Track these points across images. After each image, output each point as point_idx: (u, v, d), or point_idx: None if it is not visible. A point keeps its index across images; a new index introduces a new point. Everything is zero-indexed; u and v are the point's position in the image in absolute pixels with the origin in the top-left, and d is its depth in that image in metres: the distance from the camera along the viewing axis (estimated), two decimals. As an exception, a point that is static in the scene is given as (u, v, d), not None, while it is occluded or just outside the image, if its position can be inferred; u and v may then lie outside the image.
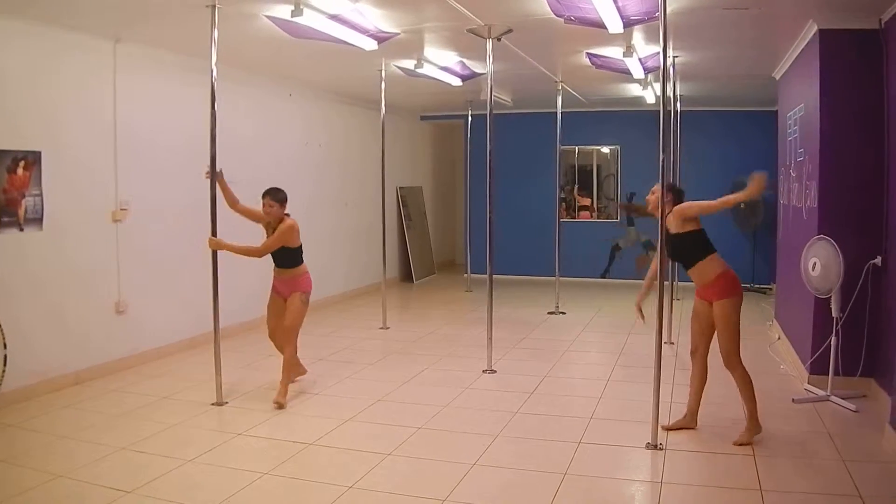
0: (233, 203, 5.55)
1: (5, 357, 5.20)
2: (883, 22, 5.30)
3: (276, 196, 5.45)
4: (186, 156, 6.82)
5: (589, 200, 12.39)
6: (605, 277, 12.07)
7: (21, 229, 5.45)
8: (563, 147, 9.90)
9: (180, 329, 6.88)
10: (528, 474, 4.09)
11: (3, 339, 5.20)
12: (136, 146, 6.47)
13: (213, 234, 5.33)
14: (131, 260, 6.41)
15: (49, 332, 5.67)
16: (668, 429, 4.70)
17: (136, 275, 6.48)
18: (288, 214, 5.53)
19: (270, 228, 5.52)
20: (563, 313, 9.17)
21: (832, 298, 5.29)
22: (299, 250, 5.57)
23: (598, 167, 12.31)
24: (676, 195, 4.70)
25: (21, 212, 5.44)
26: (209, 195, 5.32)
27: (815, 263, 5.33)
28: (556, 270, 9.56)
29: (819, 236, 5.39)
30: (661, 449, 4.39)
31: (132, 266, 6.43)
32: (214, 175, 5.33)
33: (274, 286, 5.65)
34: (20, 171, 5.42)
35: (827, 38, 5.60)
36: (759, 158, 10.23)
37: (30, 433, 4.76)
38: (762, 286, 10.70)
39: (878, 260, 5.23)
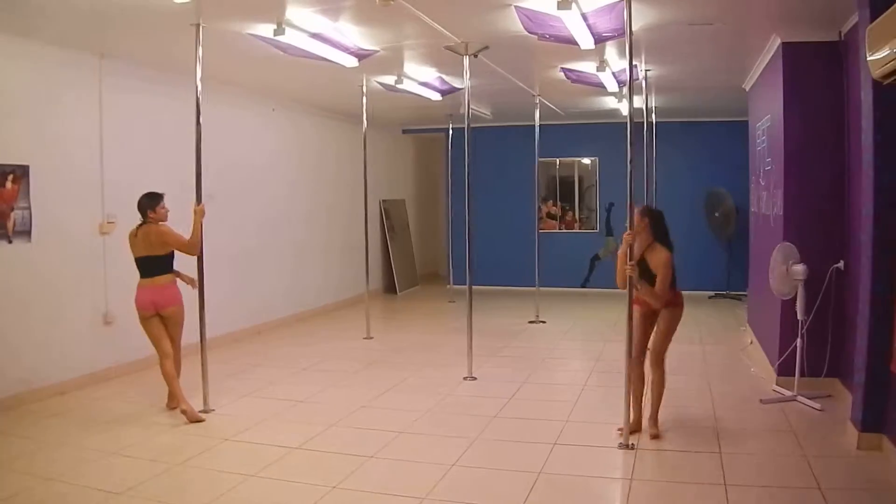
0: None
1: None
2: (842, 34, 5.55)
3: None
4: (170, 169, 6.94)
5: (556, 208, 12.61)
6: (584, 287, 12.27)
7: (10, 241, 5.57)
8: (543, 159, 10.08)
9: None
10: (504, 473, 4.24)
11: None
12: (121, 160, 6.60)
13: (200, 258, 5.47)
14: (119, 272, 6.50)
15: (36, 343, 5.78)
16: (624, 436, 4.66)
17: (124, 287, 6.56)
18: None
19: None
20: (544, 322, 9.33)
21: (797, 302, 5.49)
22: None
23: (580, 179, 12.54)
24: (653, 219, 4.73)
25: (10, 224, 5.57)
26: (192, 203, 5.43)
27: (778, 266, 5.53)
28: (536, 280, 9.75)
29: (783, 242, 5.59)
30: (632, 448, 4.55)
31: (119, 278, 6.52)
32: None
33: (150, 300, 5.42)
34: (9, 184, 5.55)
35: (790, 50, 5.83)
36: (732, 168, 10.55)
37: (18, 439, 4.86)
38: (737, 293, 10.92)
39: (841, 264, 5.43)
